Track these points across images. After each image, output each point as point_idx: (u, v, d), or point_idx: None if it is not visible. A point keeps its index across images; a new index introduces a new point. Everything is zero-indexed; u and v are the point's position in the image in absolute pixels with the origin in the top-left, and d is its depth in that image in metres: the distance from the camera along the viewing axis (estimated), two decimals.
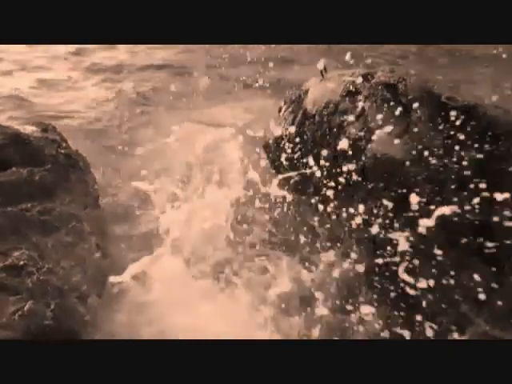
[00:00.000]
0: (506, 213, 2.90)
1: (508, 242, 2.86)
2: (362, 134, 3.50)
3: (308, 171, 3.77)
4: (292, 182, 3.97)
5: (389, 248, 3.18)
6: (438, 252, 3.01)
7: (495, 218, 2.91)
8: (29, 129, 3.74)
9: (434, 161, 3.19)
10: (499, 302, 2.81)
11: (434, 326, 2.93)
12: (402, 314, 3.07)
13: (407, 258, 3.10)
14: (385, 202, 3.24)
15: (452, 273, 2.97)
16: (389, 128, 3.41)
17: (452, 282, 2.95)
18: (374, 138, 3.43)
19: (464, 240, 2.99)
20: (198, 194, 4.55)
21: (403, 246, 3.10)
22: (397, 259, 3.12)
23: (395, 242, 3.14)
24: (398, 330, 2.97)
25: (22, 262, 2.86)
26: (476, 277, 2.89)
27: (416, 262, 3.07)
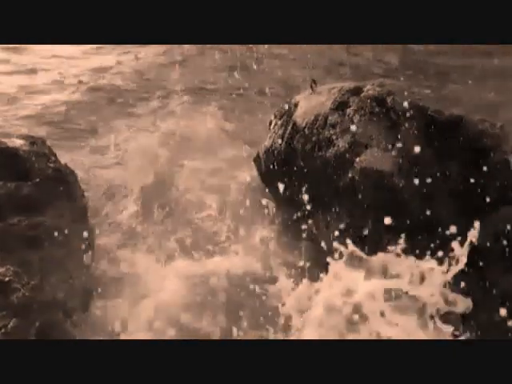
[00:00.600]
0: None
1: None
2: (351, 147, 3.53)
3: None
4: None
5: None
6: None
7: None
8: (17, 142, 3.71)
9: (422, 174, 3.21)
10: None
11: None
12: None
13: None
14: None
15: None
16: (377, 141, 3.44)
17: None
18: (362, 150, 3.46)
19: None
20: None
21: None
22: None
23: None
24: None
25: (7, 279, 2.82)
26: None
27: None
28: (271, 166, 4.04)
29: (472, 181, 3.07)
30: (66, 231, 3.37)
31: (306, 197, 3.71)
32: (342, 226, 3.41)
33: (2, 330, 2.60)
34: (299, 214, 3.73)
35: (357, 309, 2.93)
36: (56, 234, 3.29)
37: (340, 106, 3.71)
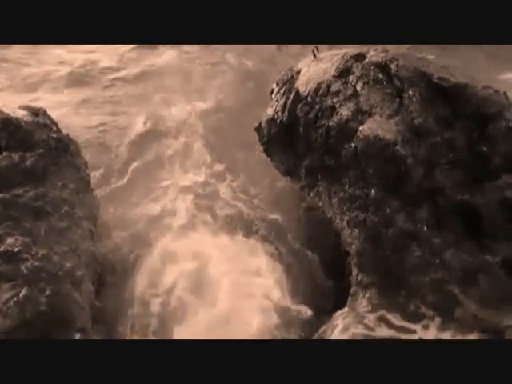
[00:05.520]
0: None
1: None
2: (354, 115, 3.49)
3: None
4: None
5: None
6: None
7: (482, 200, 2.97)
8: (19, 113, 3.68)
9: (425, 141, 3.19)
10: None
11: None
12: None
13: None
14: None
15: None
16: (381, 109, 3.40)
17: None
18: (365, 119, 3.42)
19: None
20: None
21: None
22: None
23: None
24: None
25: (16, 249, 2.85)
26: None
27: None
28: (274, 136, 4.01)
29: (476, 148, 3.06)
30: (71, 201, 3.40)
31: (308, 167, 3.73)
32: (344, 195, 3.43)
33: (14, 299, 2.65)
34: (303, 183, 3.76)
35: None
36: (61, 204, 3.32)
37: (343, 74, 3.65)
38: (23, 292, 2.69)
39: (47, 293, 2.75)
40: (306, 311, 3.30)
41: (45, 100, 5.52)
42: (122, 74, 6.31)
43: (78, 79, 6.21)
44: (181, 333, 3.16)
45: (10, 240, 2.91)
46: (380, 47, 3.78)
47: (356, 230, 3.24)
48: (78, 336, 2.71)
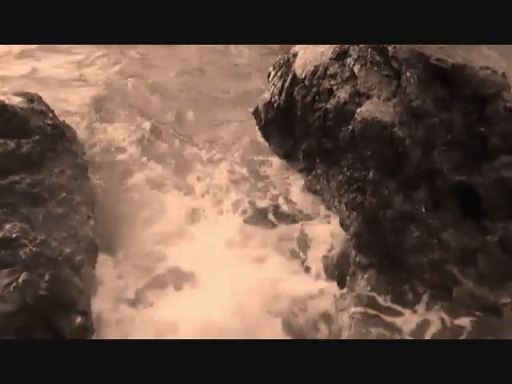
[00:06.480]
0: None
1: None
2: (351, 97, 3.47)
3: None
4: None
5: None
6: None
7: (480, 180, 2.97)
8: (14, 99, 3.65)
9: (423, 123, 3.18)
10: None
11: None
12: None
13: None
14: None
15: None
16: (378, 91, 3.38)
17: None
18: (363, 101, 3.41)
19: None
20: None
21: None
22: None
23: None
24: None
25: (14, 235, 2.86)
26: None
27: None
28: (271, 120, 4.00)
29: (474, 129, 3.06)
30: (68, 187, 3.40)
31: (306, 150, 3.72)
32: (342, 178, 3.42)
33: (14, 284, 2.66)
34: (301, 166, 3.76)
35: None
36: (58, 190, 3.31)
37: (340, 56, 3.63)
38: (22, 277, 2.70)
39: (46, 278, 2.76)
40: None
41: None
42: None
43: None
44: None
45: (7, 226, 2.91)
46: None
47: (354, 213, 3.25)
48: (78, 319, 2.73)
